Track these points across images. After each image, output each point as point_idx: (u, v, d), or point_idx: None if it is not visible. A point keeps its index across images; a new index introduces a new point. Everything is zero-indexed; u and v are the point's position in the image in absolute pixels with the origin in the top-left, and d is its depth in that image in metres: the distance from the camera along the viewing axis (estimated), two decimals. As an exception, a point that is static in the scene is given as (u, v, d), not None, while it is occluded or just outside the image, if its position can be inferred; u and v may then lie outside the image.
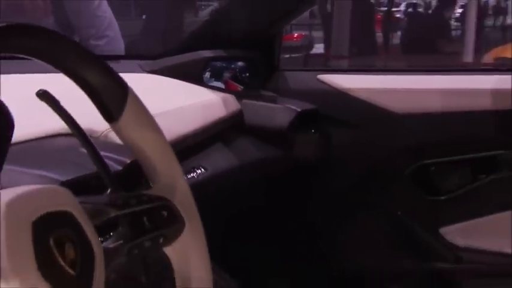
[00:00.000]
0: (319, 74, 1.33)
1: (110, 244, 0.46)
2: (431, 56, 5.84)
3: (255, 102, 1.25)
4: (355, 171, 1.36)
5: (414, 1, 9.47)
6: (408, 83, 1.32)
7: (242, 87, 1.33)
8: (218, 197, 1.04)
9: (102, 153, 0.52)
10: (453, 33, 8.08)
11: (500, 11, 9.67)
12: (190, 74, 1.21)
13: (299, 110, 1.22)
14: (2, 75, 0.63)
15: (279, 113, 1.23)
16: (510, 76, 1.25)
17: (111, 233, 0.48)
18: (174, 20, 2.95)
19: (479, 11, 6.70)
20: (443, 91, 1.28)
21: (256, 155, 1.20)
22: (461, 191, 1.30)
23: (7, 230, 0.34)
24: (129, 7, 6.19)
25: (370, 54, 6.41)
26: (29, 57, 0.43)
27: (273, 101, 1.28)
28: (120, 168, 0.63)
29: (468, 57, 5.95)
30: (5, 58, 0.46)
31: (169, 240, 0.52)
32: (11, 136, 0.46)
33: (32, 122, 0.67)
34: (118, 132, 0.51)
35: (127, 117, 0.49)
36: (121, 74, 0.50)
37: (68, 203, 0.40)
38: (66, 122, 0.49)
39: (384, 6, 8.91)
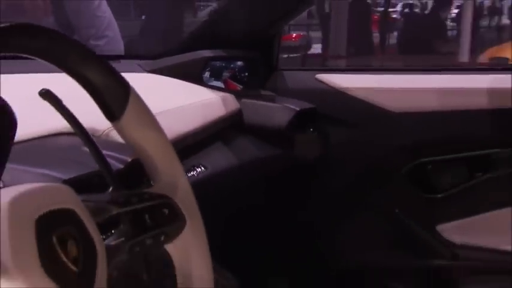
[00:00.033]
0: (317, 74, 1.33)
1: (112, 241, 0.46)
2: (428, 56, 5.85)
3: (254, 101, 1.25)
4: (353, 170, 1.36)
5: (410, 2, 9.49)
6: (405, 82, 1.33)
7: (241, 86, 1.33)
8: (218, 196, 1.05)
9: (103, 151, 0.53)
10: (449, 33, 8.09)
11: (495, 11, 9.69)
12: (190, 74, 1.22)
13: (298, 109, 1.22)
14: (6, 75, 0.63)
15: (277, 112, 1.23)
16: (505, 75, 1.26)
17: (113, 231, 0.48)
18: (173, 20, 2.95)
19: (475, 12, 6.72)
20: (439, 90, 1.28)
21: (255, 154, 1.20)
22: (457, 189, 1.31)
23: (10, 227, 0.34)
24: (128, 7, 6.18)
25: (368, 54, 6.42)
26: (32, 57, 0.43)
27: (271, 100, 1.28)
28: (121, 166, 0.63)
29: (464, 57, 5.96)
30: (8, 58, 0.47)
31: (171, 237, 0.52)
32: (14, 135, 0.47)
33: (35, 121, 0.67)
34: (120, 131, 0.51)
35: (129, 116, 0.49)
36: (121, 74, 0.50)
37: (71, 201, 0.40)
38: (68, 121, 0.50)
39: (381, 7, 8.93)
